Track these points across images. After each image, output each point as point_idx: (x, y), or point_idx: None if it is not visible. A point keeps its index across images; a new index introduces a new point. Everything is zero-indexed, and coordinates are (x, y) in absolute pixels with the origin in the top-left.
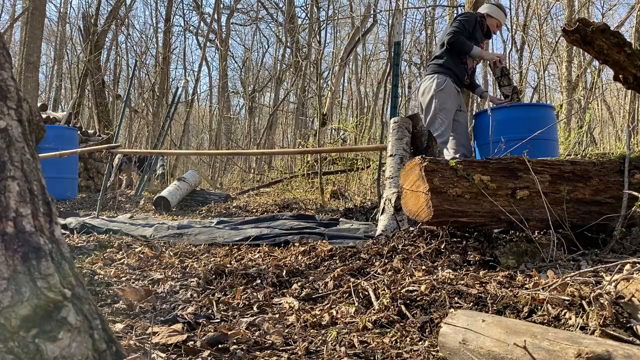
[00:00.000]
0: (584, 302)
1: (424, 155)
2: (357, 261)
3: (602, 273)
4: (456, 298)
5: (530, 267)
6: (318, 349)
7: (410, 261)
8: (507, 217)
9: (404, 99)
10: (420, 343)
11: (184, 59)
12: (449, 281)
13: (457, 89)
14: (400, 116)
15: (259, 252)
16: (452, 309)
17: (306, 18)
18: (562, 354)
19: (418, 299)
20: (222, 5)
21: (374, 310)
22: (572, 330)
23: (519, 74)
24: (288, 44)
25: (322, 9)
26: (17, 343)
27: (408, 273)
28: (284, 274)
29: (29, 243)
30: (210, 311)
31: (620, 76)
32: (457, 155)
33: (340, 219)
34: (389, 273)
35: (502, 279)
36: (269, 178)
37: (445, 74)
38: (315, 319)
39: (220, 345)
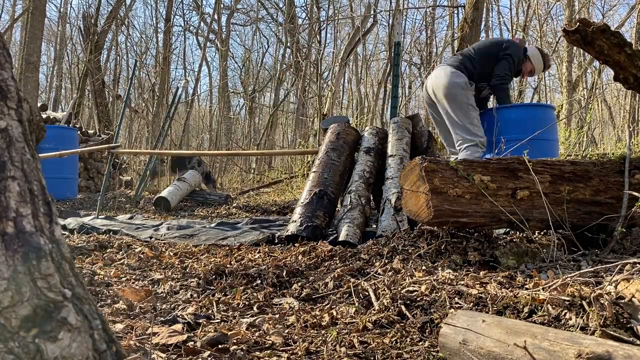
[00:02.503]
0: (584, 302)
1: (424, 156)
2: (357, 261)
3: (603, 273)
4: (456, 298)
5: (530, 267)
6: (318, 349)
7: (411, 261)
8: (507, 218)
9: (404, 99)
10: (420, 343)
11: (184, 59)
12: (449, 281)
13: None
14: (400, 116)
15: (259, 253)
16: (452, 310)
17: (306, 18)
18: (562, 354)
19: (418, 299)
20: (222, 5)
21: (374, 310)
22: (572, 331)
23: None
24: (288, 44)
25: (322, 9)
26: (17, 343)
27: (408, 273)
28: (284, 274)
29: (29, 243)
30: (210, 311)
31: (621, 76)
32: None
33: None
34: (389, 273)
35: (502, 280)
36: (269, 178)
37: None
38: (315, 320)
39: (220, 346)
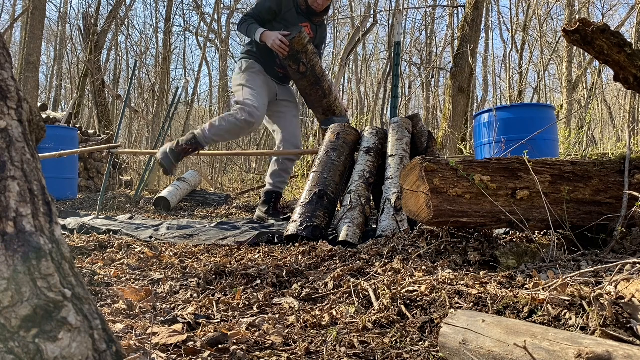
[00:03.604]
0: (584, 302)
1: (424, 156)
2: (357, 261)
3: (603, 273)
4: (456, 298)
5: (530, 267)
6: (318, 349)
7: (411, 261)
8: (507, 218)
9: (404, 99)
10: (420, 343)
11: (184, 59)
12: (449, 281)
13: (273, 80)
14: (400, 116)
15: (259, 252)
16: (452, 309)
17: None
18: (562, 354)
19: (418, 299)
20: (222, 5)
21: (374, 310)
22: (572, 331)
23: (520, 75)
24: None
25: None
26: (18, 343)
27: (408, 273)
28: (284, 274)
29: (29, 243)
30: (210, 311)
31: (621, 76)
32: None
33: None
34: (389, 273)
35: (502, 280)
36: None
37: (254, 59)
38: (315, 319)
39: (220, 346)
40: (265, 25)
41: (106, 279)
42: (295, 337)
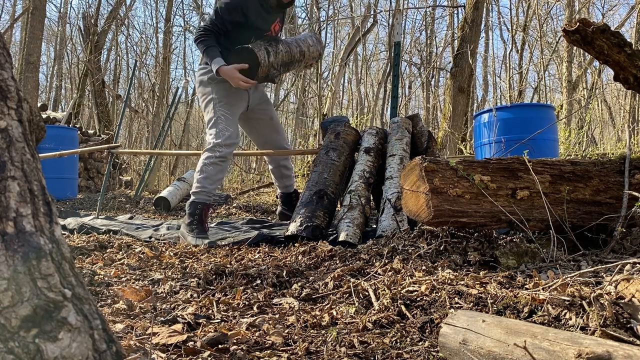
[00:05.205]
0: (584, 302)
1: (424, 156)
2: (357, 261)
3: (603, 273)
4: (456, 298)
5: (530, 267)
6: (318, 349)
7: (411, 261)
8: (507, 218)
9: (404, 99)
10: (420, 343)
11: (184, 59)
12: (449, 281)
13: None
14: (400, 116)
15: (259, 253)
16: (452, 310)
17: (306, 18)
18: (562, 354)
19: (418, 299)
20: None
21: (374, 310)
22: (572, 331)
23: (520, 75)
24: None
25: (322, 9)
26: (18, 343)
27: (408, 273)
28: (284, 274)
29: (29, 243)
30: (210, 311)
31: (621, 76)
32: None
33: None
34: (389, 273)
35: (502, 280)
36: (269, 178)
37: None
38: (315, 320)
39: (220, 346)
40: (227, 35)
41: (106, 279)
42: (295, 337)
